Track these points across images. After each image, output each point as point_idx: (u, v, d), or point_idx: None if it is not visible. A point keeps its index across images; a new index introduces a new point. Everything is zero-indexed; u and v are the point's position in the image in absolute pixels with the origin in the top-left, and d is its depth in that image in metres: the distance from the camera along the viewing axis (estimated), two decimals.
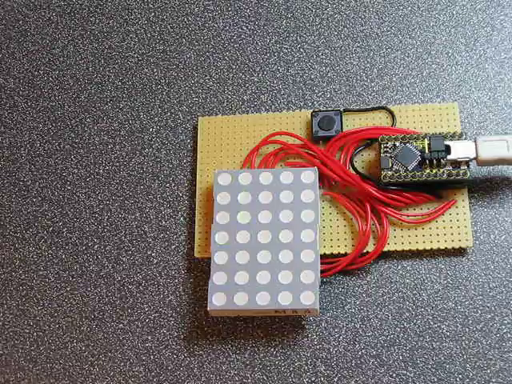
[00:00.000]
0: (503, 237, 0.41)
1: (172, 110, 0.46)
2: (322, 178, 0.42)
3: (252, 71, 0.46)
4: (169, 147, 0.46)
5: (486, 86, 0.44)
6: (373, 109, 0.43)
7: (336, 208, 0.42)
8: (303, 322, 0.41)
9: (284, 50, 0.47)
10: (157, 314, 0.42)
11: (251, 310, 0.39)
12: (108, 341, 0.42)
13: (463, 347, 0.39)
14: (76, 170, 0.46)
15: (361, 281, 0.41)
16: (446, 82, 0.44)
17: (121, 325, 0.43)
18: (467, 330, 0.40)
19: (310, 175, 0.41)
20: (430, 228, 0.41)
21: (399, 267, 0.41)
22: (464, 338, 0.40)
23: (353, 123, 0.43)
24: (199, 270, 0.43)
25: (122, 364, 0.42)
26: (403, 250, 0.41)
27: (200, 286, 0.43)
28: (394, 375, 0.40)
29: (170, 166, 0.45)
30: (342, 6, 0.47)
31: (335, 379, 0.40)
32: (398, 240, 0.41)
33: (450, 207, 0.41)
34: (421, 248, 0.40)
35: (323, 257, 0.41)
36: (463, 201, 0.41)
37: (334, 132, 0.43)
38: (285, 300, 0.39)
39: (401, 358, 0.40)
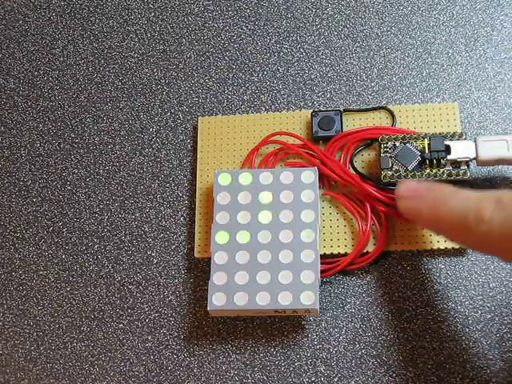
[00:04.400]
0: None
1: (172, 110, 0.46)
2: (322, 177, 0.42)
3: (252, 71, 0.46)
4: (169, 147, 0.46)
5: (486, 86, 0.44)
6: (373, 109, 0.43)
7: (336, 208, 0.42)
8: (303, 322, 0.41)
9: (284, 50, 0.47)
10: (157, 314, 0.42)
11: (251, 310, 0.39)
12: (108, 341, 0.42)
13: (463, 347, 0.39)
14: (76, 170, 0.46)
15: (361, 281, 0.41)
16: (445, 81, 0.44)
17: (121, 325, 0.43)
18: (467, 330, 0.40)
19: (309, 175, 0.41)
20: None
21: (399, 267, 0.41)
22: (464, 337, 0.40)
23: (353, 123, 0.43)
24: (199, 270, 0.43)
25: (122, 364, 0.42)
26: (403, 250, 0.41)
27: (200, 286, 0.43)
28: (394, 375, 0.40)
29: (170, 166, 0.45)
30: (342, 6, 0.47)
31: (335, 379, 0.40)
32: (398, 240, 0.41)
33: None
34: (421, 248, 0.40)
35: (323, 257, 0.41)
36: None
37: (334, 132, 0.43)
38: (285, 300, 0.39)
39: (401, 358, 0.40)
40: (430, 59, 0.45)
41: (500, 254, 0.33)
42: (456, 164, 0.40)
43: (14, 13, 0.51)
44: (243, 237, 0.40)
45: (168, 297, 0.43)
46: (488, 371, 0.39)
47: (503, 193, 0.32)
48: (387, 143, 0.41)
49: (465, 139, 0.40)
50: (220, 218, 0.41)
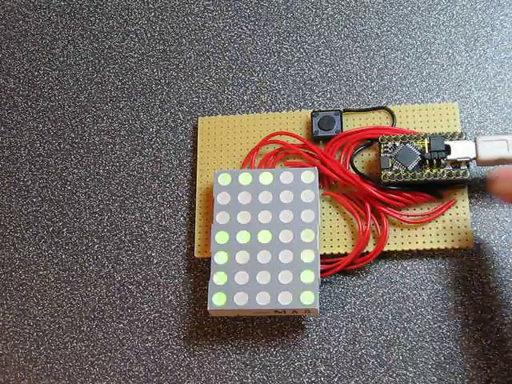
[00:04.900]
0: (503, 237, 0.41)
1: (172, 110, 0.46)
2: (322, 178, 0.42)
3: (252, 71, 0.46)
4: (169, 147, 0.46)
5: (486, 86, 0.44)
6: (373, 109, 0.43)
7: (336, 208, 0.42)
8: (303, 322, 0.41)
9: (284, 50, 0.47)
10: (157, 314, 0.43)
11: (251, 310, 0.39)
12: (108, 341, 0.42)
13: (463, 347, 0.39)
14: (76, 170, 0.46)
15: (361, 281, 0.41)
16: (446, 81, 0.44)
17: (121, 325, 0.43)
18: (467, 330, 0.40)
19: (309, 175, 0.41)
20: (430, 228, 0.41)
21: (399, 267, 0.41)
22: (464, 337, 0.40)
23: (353, 123, 0.43)
24: (199, 270, 0.43)
25: (122, 364, 0.42)
26: (403, 250, 0.41)
27: (200, 286, 0.43)
28: (394, 375, 0.40)
29: (170, 166, 0.45)
30: (342, 6, 0.47)
31: (335, 379, 0.40)
32: (398, 240, 0.41)
33: (450, 207, 0.41)
34: (421, 248, 0.40)
35: (323, 257, 0.41)
36: (463, 201, 0.41)
37: (334, 132, 0.43)
38: (285, 300, 0.39)
39: (401, 358, 0.40)
40: (430, 59, 0.45)
41: None
42: (456, 164, 0.40)
43: (13, 13, 0.51)
44: (243, 237, 0.40)
45: (168, 297, 0.43)
46: (488, 371, 0.39)
47: None
48: (387, 143, 0.41)
49: (465, 139, 0.40)
50: (220, 218, 0.41)
